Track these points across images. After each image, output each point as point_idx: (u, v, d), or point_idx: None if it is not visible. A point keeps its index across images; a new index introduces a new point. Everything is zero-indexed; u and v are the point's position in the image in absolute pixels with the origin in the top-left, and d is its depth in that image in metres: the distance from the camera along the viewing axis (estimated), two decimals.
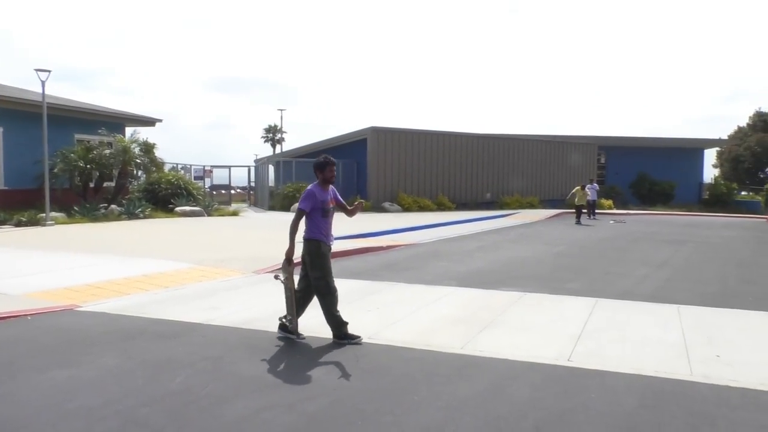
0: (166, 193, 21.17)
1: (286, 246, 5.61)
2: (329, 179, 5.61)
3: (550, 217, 23.84)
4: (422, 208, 25.54)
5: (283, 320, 5.66)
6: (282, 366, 4.80)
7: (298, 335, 5.60)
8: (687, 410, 3.96)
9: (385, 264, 10.51)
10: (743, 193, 48.81)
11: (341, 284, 8.45)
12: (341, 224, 17.80)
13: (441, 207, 26.45)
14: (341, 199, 5.90)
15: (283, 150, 55.99)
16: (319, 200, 5.53)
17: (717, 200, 38.61)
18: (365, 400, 4.09)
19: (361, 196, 25.40)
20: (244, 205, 29.88)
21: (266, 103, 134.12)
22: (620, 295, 7.88)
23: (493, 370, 4.76)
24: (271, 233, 15.18)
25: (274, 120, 76.23)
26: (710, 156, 61.76)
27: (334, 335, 5.54)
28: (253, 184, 32.28)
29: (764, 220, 24.38)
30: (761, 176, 54.12)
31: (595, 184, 25.04)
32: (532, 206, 29.23)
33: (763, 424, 3.76)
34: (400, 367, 4.84)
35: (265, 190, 28.04)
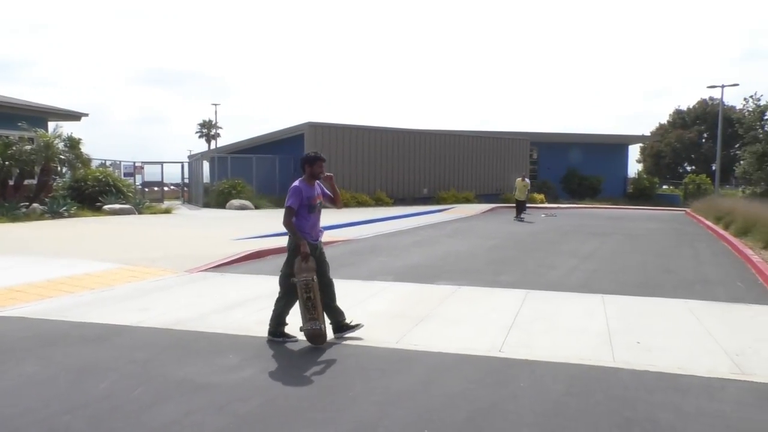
0: (94, 191, 20.26)
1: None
2: (317, 174, 5.50)
3: (485, 212, 24.35)
4: (360, 204, 25.55)
5: (310, 328, 5.16)
6: (214, 367, 4.68)
7: (355, 326, 5.48)
8: (610, 395, 4.14)
9: None
10: (664, 187, 51.48)
11: (276, 282, 8.38)
12: (278, 221, 17.60)
13: (379, 203, 26.54)
14: (329, 192, 5.80)
15: (219, 146, 54.76)
16: (305, 196, 5.42)
17: (641, 194, 40.55)
18: (299, 398, 4.05)
19: None
20: (178, 202, 29.01)
21: (200, 98, 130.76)
22: (550, 287, 8.14)
23: (428, 364, 4.81)
24: (206, 231, 14.82)
25: (208, 115, 74.29)
26: (634, 151, 64.78)
27: (270, 332, 5.46)
28: (187, 181, 31.37)
29: (683, 212, 25.75)
30: (680, 171, 57.24)
31: (527, 179, 25.69)
32: (467, 201, 29.76)
33: (678, 405, 3.97)
34: (334, 364, 4.83)
35: (199, 187, 27.32)
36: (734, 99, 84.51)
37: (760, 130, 19.36)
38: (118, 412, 3.77)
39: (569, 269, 9.78)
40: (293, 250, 5.38)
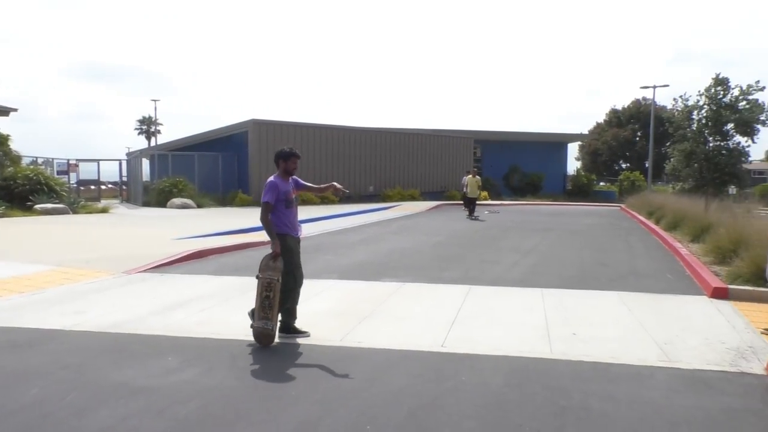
0: (24, 190, 19.33)
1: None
2: (291, 171, 5.50)
3: (430, 209, 24.63)
4: (306, 202, 25.33)
5: (259, 326, 5.14)
6: (153, 370, 4.56)
7: (303, 332, 5.46)
8: (547, 386, 4.27)
9: None
10: (601, 183, 53.39)
11: (220, 281, 8.24)
12: (220, 219, 17.29)
13: (325, 200, 26.40)
14: (306, 183, 5.82)
15: (159, 143, 53.21)
16: (282, 191, 5.38)
17: (579, 190, 41.93)
18: (241, 399, 4.00)
19: (242, 191, 24.77)
20: (116, 201, 28.02)
21: (140, 94, 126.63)
22: (492, 282, 8.32)
23: (371, 361, 4.84)
24: (145, 230, 14.39)
25: (148, 111, 71.93)
26: (573, 149, 66.84)
27: (281, 329, 5.41)
28: (125, 179, 30.32)
29: (618, 208, 26.77)
30: (616, 168, 59.47)
31: (478, 176, 26.06)
32: (413, 198, 30.01)
33: (611, 393, 4.14)
34: (277, 363, 4.79)
35: (138, 185, 26.46)
36: (666, 99, 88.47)
37: (688, 129, 20.31)
38: (50, 419, 3.63)
39: (511, 264, 10.02)
40: (282, 247, 5.34)
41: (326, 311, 6.50)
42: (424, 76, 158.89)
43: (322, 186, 6.10)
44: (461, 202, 23.67)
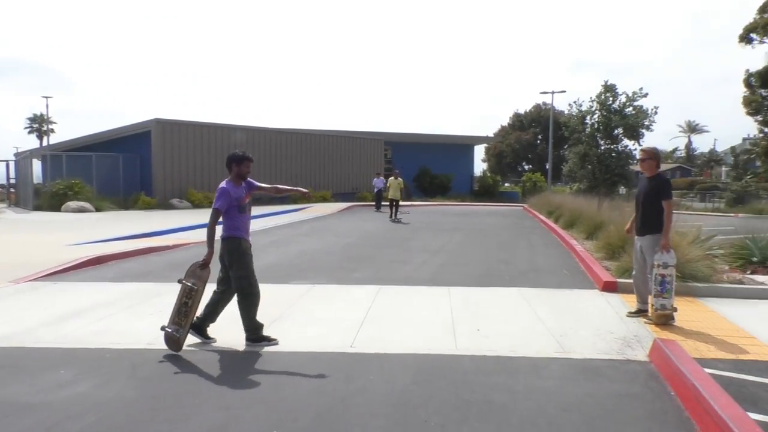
0: None
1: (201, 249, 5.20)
2: (245, 175, 5.35)
3: (341, 211, 24.67)
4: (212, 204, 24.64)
5: (169, 331, 5.08)
6: (43, 385, 4.27)
7: (208, 339, 5.35)
8: (452, 381, 4.41)
9: (170, 264, 9.94)
10: (506, 184, 55.74)
11: (120, 288, 7.84)
12: (121, 224, 16.46)
13: None
14: (262, 185, 5.67)
15: (52, 142, 49.83)
16: (234, 197, 5.25)
17: (485, 191, 43.53)
18: (140, 410, 3.83)
19: (145, 193, 23.71)
20: (2, 205, 25.99)
21: (29, 90, 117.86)
22: (401, 281, 8.46)
23: (279, 364, 4.79)
24: (37, 236, 13.44)
25: (40, 108, 67.08)
26: (480, 151, 69.33)
27: (248, 338, 5.29)
28: (13, 182, 28.17)
29: (521, 208, 28.02)
30: (520, 170, 62.22)
31: (382, 178, 26.37)
32: (324, 200, 29.95)
33: (510, 385, 4.34)
34: (181, 371, 4.63)
35: (28, 188, 24.67)
36: (564, 104, 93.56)
37: (582, 134, 21.61)
38: None
39: (419, 264, 10.23)
40: (235, 251, 5.26)
41: (232, 316, 6.33)
42: (335, 78, 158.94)
43: (282, 187, 6.01)
44: (372, 203, 23.87)
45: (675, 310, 6.02)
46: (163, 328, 5.11)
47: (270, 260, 10.49)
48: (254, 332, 5.35)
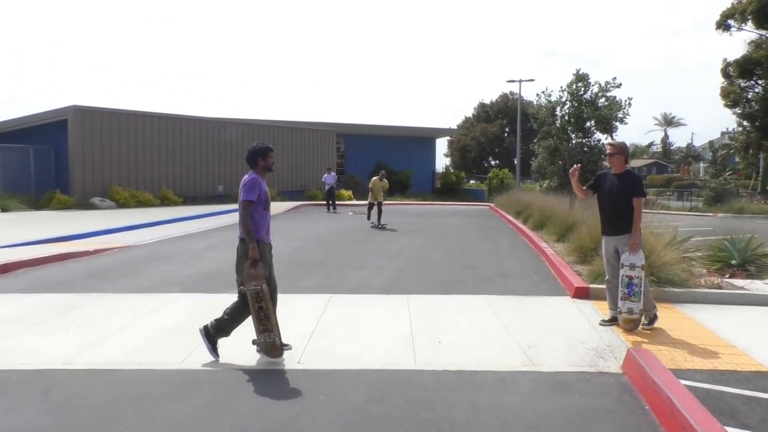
0: None
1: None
2: (271, 167, 5.50)
3: (289, 211, 24.51)
4: (142, 204, 24.16)
5: (263, 341, 5.21)
6: None
7: (285, 346, 5.37)
8: (409, 399, 4.44)
9: (91, 272, 9.68)
10: (471, 182, 56.39)
11: (30, 300, 7.59)
12: (33, 226, 15.90)
13: (165, 202, 25.34)
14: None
15: None
16: (264, 191, 5.37)
17: (448, 189, 44.02)
18: None
19: (61, 191, 23.01)
20: None
21: None
22: (355, 289, 8.47)
23: (217, 383, 4.74)
24: None
25: None
26: (442, 145, 70.08)
27: (205, 327, 5.41)
28: None
29: (487, 207, 28.44)
30: (486, 165, 63.14)
31: (333, 174, 26.35)
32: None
33: (474, 402, 4.40)
34: (102, 394, 4.52)
35: None
36: (533, 94, 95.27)
37: (552, 126, 22.12)
38: None
39: (375, 270, 10.26)
40: (245, 254, 5.28)
41: (165, 330, 6.25)
42: (282, 63, 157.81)
43: None
44: (323, 202, 23.79)
45: (655, 316, 6.26)
46: (254, 342, 5.29)
47: (207, 267, 10.34)
48: (216, 332, 5.37)
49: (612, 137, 21.87)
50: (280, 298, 7.98)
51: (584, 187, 6.82)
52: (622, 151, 6.57)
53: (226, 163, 29.46)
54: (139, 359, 5.29)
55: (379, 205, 18.97)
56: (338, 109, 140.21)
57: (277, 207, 25.30)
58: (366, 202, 19.69)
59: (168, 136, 26.84)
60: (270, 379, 4.84)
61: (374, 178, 19.86)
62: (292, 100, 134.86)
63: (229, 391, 4.57)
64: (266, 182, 5.51)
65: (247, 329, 6.31)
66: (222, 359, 5.27)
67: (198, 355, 5.40)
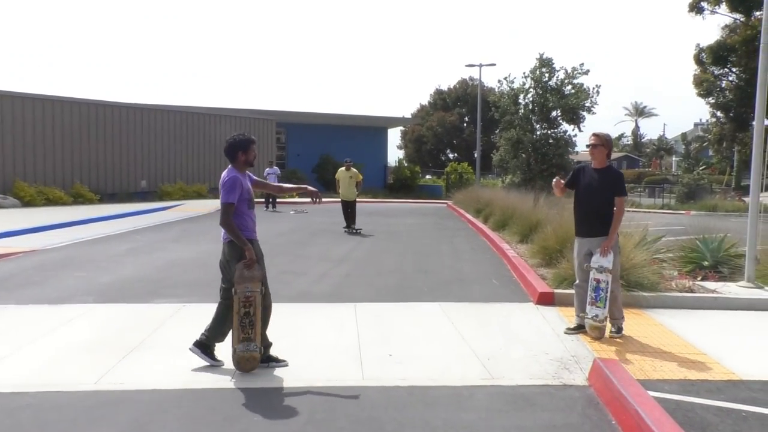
0: None
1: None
2: (252, 161, 5.56)
3: (219, 209, 24.18)
4: (52, 202, 23.48)
5: (243, 351, 5.22)
6: None
7: (280, 362, 5.51)
8: (355, 418, 4.45)
9: None
10: (427, 177, 56.75)
11: None
12: None
13: (79, 200, 24.69)
14: (260, 180, 6.01)
15: None
16: (245, 188, 5.44)
17: (402, 185, 44.17)
18: None
19: None
20: None
21: None
22: (296, 298, 8.44)
23: (137, 405, 4.65)
24: None
25: None
26: (395, 136, 70.29)
27: (195, 343, 5.49)
28: None
29: (445, 205, 28.70)
30: (443, 158, 63.62)
31: (276, 168, 26.12)
32: (200, 195, 29.35)
33: (428, 420, 4.44)
34: (2, 421, 4.38)
35: None
36: (495, 80, 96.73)
37: (515, 115, 22.36)
38: None
39: (319, 275, 10.24)
40: (236, 256, 5.37)
41: (77, 345, 6.10)
42: (218, 47, 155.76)
43: (286, 186, 6.10)
44: (263, 200, 23.59)
45: (621, 328, 6.41)
46: (233, 351, 5.27)
47: (126, 273, 10.13)
48: (210, 339, 5.48)
49: (579, 128, 22.28)
50: (212, 307, 7.90)
51: (562, 182, 6.88)
52: (606, 143, 6.58)
53: (150, 156, 28.91)
54: (46, 380, 5.15)
55: (352, 204, 17.26)
56: (278, 95, 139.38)
57: (207, 205, 25.01)
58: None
59: (82, 125, 26.12)
60: (198, 400, 4.77)
61: (341, 168, 17.72)
62: (227, 86, 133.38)
63: (149, 415, 4.49)
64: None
65: (168, 346, 6.23)
66: (137, 381, 5.17)
67: (115, 374, 5.30)
